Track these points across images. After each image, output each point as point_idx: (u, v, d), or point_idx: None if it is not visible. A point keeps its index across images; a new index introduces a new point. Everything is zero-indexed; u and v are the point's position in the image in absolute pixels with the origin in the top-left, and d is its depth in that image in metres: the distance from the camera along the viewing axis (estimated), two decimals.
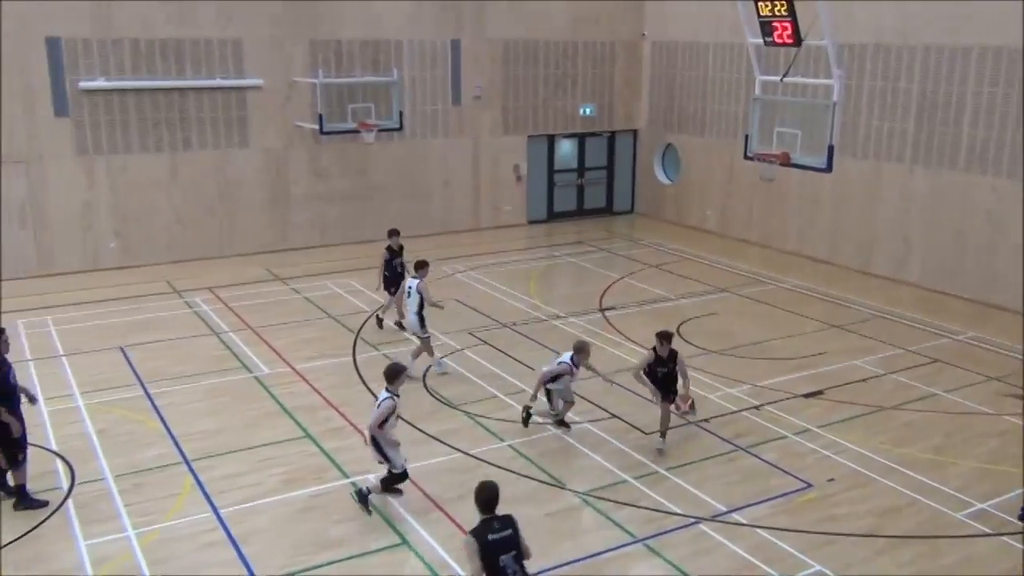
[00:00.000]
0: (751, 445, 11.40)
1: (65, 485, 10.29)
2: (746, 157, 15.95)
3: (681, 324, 16.00)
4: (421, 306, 13.39)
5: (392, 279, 15.48)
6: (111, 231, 19.58)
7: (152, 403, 12.58)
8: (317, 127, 20.29)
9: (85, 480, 10.40)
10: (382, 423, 9.50)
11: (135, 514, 9.63)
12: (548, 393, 11.55)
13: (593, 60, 24.46)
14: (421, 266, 13.85)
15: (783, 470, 10.77)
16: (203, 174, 20.29)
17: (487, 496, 6.72)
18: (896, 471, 10.72)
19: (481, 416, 12.16)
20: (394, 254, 15.64)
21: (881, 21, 18.67)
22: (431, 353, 13.71)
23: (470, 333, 15.53)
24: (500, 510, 6.74)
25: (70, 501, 9.93)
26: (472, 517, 6.58)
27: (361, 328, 15.78)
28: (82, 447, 11.19)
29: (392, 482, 9.84)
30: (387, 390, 9.62)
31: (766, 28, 14.74)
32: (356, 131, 20.48)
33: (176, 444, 11.31)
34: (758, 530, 9.46)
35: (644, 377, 11.12)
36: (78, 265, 19.21)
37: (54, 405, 12.44)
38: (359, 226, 21.81)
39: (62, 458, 10.91)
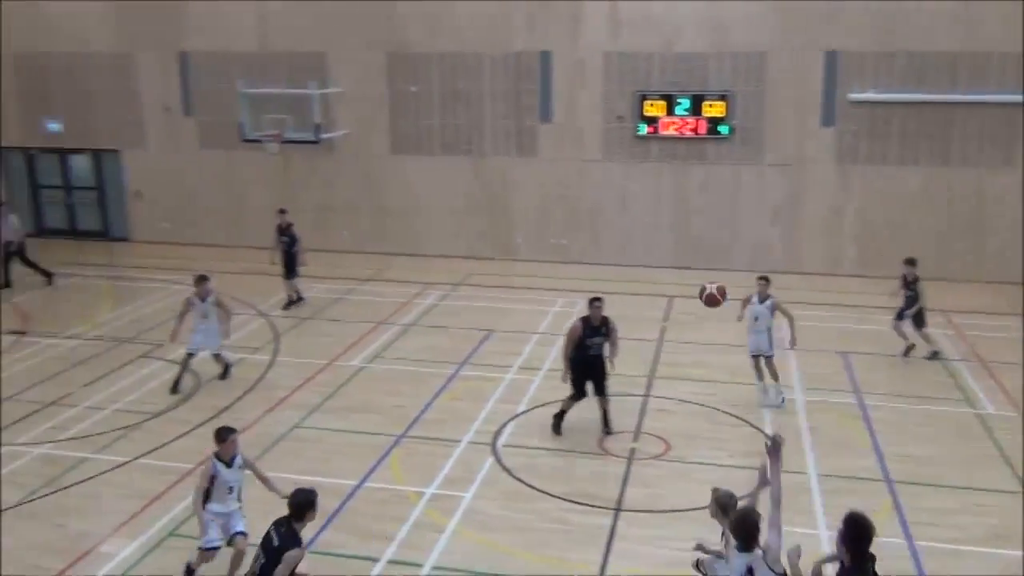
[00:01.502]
0: None
1: None
2: None
3: None
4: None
5: None
6: (852, 237, 20.07)
7: (864, 413, 12.65)
8: None
9: (788, 470, 10.90)
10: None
11: (832, 515, 9.77)
12: None
13: None
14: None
15: None
16: (960, 192, 19.35)
17: None
18: None
19: None
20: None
21: None
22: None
23: None
24: None
25: None
26: None
27: None
28: (792, 439, 11.75)
29: None
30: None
31: None
32: None
33: (880, 460, 11.20)
34: None
35: None
36: (819, 267, 20.16)
37: None
38: None
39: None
